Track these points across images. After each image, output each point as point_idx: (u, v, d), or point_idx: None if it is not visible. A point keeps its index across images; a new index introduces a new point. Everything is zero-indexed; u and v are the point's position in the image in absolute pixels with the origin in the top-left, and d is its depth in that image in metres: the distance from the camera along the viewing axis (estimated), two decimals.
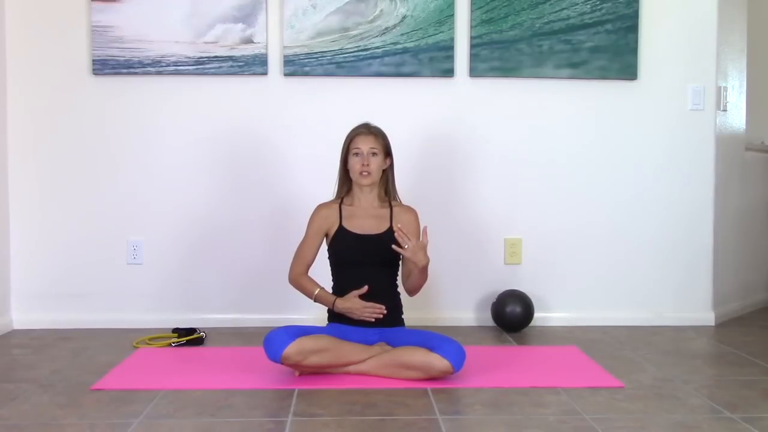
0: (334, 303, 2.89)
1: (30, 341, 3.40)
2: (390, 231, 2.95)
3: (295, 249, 3.03)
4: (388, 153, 3.00)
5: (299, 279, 2.99)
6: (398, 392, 2.60)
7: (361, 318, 2.85)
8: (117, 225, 3.68)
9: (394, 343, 2.85)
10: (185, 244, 3.70)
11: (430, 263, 2.86)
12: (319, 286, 2.94)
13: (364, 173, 2.92)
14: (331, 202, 3.03)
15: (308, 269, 3.01)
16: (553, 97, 3.75)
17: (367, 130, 2.97)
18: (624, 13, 3.70)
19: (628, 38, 3.71)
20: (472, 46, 3.68)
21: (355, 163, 2.94)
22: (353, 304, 2.85)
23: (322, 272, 3.01)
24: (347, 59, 3.66)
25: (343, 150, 2.99)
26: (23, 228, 3.66)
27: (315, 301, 2.96)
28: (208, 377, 2.80)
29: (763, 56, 4.49)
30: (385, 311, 2.85)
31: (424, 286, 2.98)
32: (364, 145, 2.93)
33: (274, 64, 3.67)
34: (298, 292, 3.15)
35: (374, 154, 2.93)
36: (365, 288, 2.85)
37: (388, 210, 3.01)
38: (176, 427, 2.28)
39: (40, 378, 2.80)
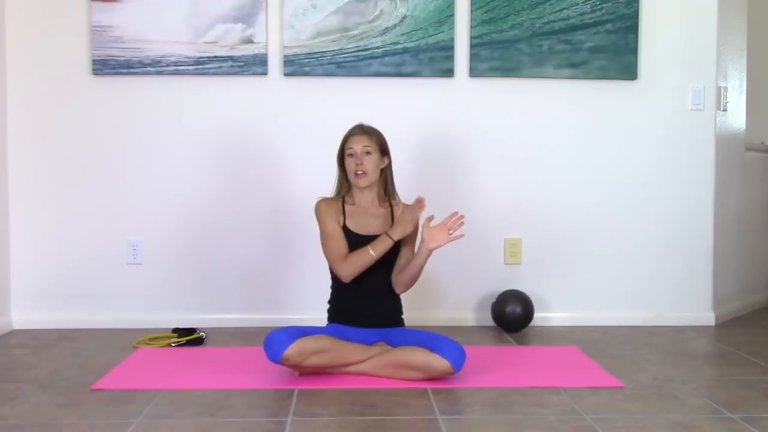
0: (389, 238, 2.84)
1: (30, 341, 3.40)
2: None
3: (325, 253, 2.93)
4: (384, 152, 2.98)
5: (347, 260, 2.85)
6: (398, 392, 2.60)
7: (410, 222, 2.83)
8: (117, 225, 3.68)
9: (394, 344, 2.85)
10: (185, 244, 3.70)
11: (430, 257, 2.87)
12: (367, 247, 2.84)
13: (359, 173, 2.91)
14: (333, 199, 3.01)
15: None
16: (553, 97, 3.75)
17: (360, 130, 2.96)
18: (624, 13, 3.70)
19: (628, 38, 3.71)
20: (472, 46, 3.68)
21: (350, 164, 2.93)
22: (402, 217, 2.85)
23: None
24: (347, 59, 3.66)
25: (338, 152, 2.99)
26: (23, 228, 3.66)
27: (377, 258, 2.83)
28: (208, 377, 2.80)
29: (763, 56, 4.49)
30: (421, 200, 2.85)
31: (425, 284, 3.00)
32: (358, 144, 2.92)
33: (274, 64, 3.67)
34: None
35: (368, 153, 2.91)
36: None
37: (389, 209, 3.01)
38: (176, 427, 2.28)
39: (40, 378, 2.80)
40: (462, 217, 2.85)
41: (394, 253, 2.93)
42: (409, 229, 2.86)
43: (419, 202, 2.86)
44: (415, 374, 2.71)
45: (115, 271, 3.69)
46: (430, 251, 2.85)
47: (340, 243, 2.89)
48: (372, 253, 2.84)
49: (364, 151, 2.91)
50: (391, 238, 2.84)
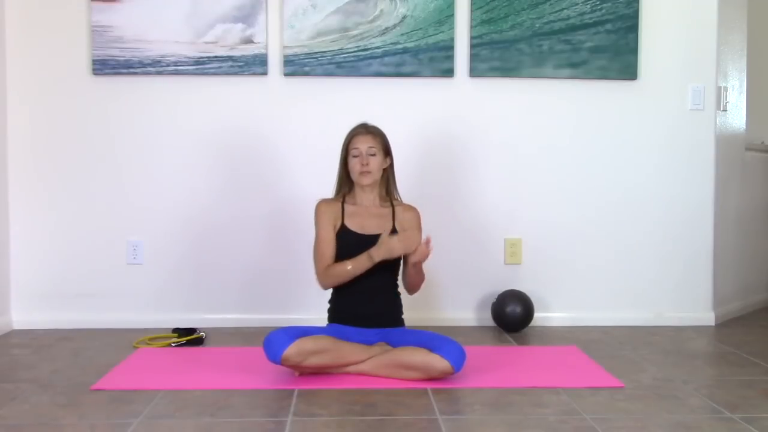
0: (370, 258, 2.82)
1: (30, 341, 3.40)
2: (393, 232, 2.95)
3: (313, 255, 2.95)
4: (387, 152, 2.99)
5: (327, 272, 2.89)
6: (398, 392, 2.60)
7: (401, 250, 2.81)
8: (117, 225, 3.68)
9: (394, 344, 2.85)
10: (185, 244, 3.70)
11: (428, 260, 2.87)
12: (347, 262, 2.86)
13: (364, 173, 2.91)
14: (333, 199, 3.02)
15: (333, 262, 2.93)
16: (553, 97, 3.75)
17: (365, 130, 2.97)
18: (624, 13, 3.70)
19: (628, 38, 3.71)
20: (472, 46, 3.68)
21: (354, 164, 2.93)
22: (388, 242, 2.80)
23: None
24: (347, 59, 3.66)
25: (342, 151, 2.99)
26: (23, 228, 3.66)
27: (355, 274, 2.85)
28: (208, 377, 2.80)
29: (763, 56, 4.49)
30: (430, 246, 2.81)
31: (424, 285, 3.02)
32: (363, 144, 2.92)
33: (274, 64, 3.67)
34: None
35: (373, 153, 2.92)
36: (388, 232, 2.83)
37: (390, 209, 3.01)
38: (176, 427, 2.28)
39: (40, 378, 2.80)
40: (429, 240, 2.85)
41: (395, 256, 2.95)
42: (394, 254, 2.82)
43: (427, 242, 2.82)
44: (415, 374, 2.71)
45: (115, 271, 3.69)
46: (414, 264, 2.85)
47: (327, 250, 2.91)
48: (349, 268, 2.84)
49: (369, 152, 2.92)
50: (372, 259, 2.83)
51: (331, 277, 2.89)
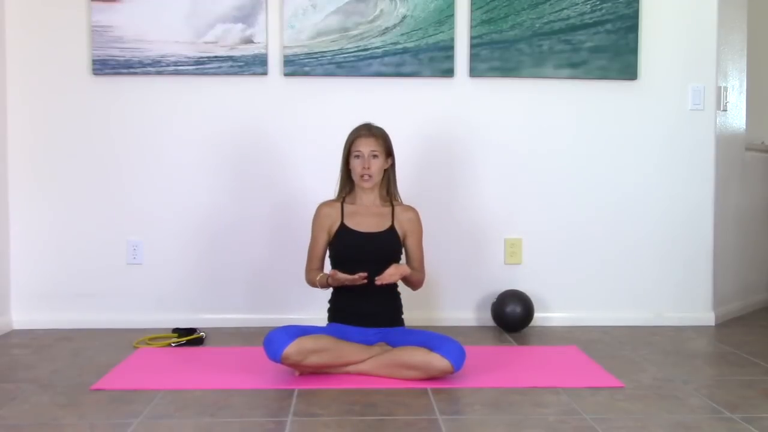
0: (327, 282, 2.91)
1: (30, 341, 3.40)
2: (391, 229, 2.97)
3: (306, 251, 3.06)
4: (389, 153, 3.00)
5: (309, 274, 3.01)
6: (398, 392, 2.60)
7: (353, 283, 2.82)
8: (117, 225, 3.68)
9: (394, 343, 2.85)
10: (185, 244, 3.70)
11: (428, 259, 2.97)
12: (320, 273, 2.96)
13: (366, 177, 2.92)
14: (333, 200, 3.04)
15: (321, 266, 3.03)
16: (553, 98, 3.75)
17: (368, 131, 2.97)
18: (624, 13, 3.70)
19: (628, 38, 3.71)
20: (472, 46, 3.68)
21: (356, 166, 2.94)
22: (340, 278, 2.81)
23: (325, 270, 3.02)
24: (347, 59, 3.66)
25: (344, 151, 2.99)
26: (23, 228, 3.66)
27: (323, 287, 2.94)
28: (208, 377, 2.80)
29: (763, 56, 4.49)
30: (365, 278, 2.79)
31: (425, 284, 3.08)
32: (365, 147, 2.92)
33: (274, 64, 3.67)
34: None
35: (375, 156, 2.93)
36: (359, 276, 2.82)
37: (390, 209, 3.02)
38: (176, 427, 2.28)
39: (40, 378, 2.80)
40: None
41: (393, 254, 2.96)
42: (345, 284, 2.84)
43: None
44: (415, 374, 2.71)
45: (115, 271, 3.69)
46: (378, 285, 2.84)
47: (315, 253, 3.02)
48: (317, 279, 2.92)
49: (371, 155, 2.92)
50: (328, 285, 2.91)
51: (309, 279, 3.01)
